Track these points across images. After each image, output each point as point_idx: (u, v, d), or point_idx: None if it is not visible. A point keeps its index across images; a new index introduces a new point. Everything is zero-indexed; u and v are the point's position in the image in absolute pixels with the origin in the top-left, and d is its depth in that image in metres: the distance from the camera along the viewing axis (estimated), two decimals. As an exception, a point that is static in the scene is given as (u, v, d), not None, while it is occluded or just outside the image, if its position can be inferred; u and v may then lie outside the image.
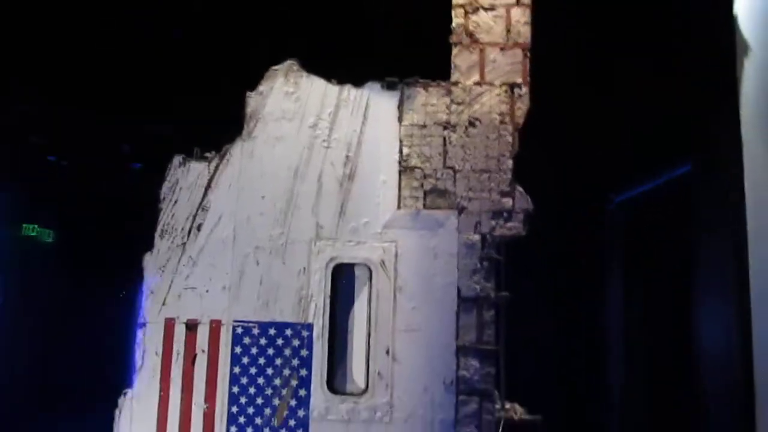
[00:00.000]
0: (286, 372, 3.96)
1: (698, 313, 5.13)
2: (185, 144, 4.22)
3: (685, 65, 4.88)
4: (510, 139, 4.07)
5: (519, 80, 4.11)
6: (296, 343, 3.98)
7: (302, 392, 3.95)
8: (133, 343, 4.06)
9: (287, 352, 3.97)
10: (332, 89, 4.19)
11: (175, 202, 4.16)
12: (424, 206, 4.06)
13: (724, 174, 4.43)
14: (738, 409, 4.19)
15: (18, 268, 7.96)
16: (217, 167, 4.16)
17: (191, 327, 4.03)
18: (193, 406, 3.96)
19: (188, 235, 4.11)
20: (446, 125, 4.12)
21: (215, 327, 4.02)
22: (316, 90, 4.19)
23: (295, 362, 3.97)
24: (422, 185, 4.08)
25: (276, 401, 3.94)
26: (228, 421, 3.93)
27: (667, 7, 4.91)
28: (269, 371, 3.97)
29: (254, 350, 3.98)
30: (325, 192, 4.09)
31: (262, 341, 3.99)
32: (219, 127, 4.22)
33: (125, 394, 4.01)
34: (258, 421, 3.93)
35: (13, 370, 7.45)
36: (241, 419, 3.93)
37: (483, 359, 3.90)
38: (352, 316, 4.07)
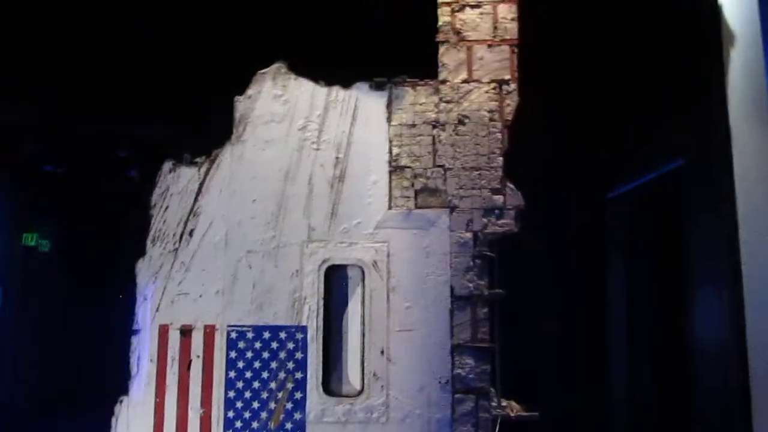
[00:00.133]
0: (282, 375, 3.96)
1: (692, 305, 5.15)
2: (176, 149, 4.21)
3: (672, 56, 4.89)
4: (500, 136, 4.06)
5: (507, 77, 4.10)
6: (291, 345, 3.98)
7: (298, 395, 3.95)
8: (128, 351, 4.07)
9: (282, 355, 3.97)
10: (320, 91, 4.19)
11: (167, 208, 4.15)
12: (416, 205, 4.06)
13: (714, 167, 4.44)
14: (734, 403, 4.21)
15: (18, 277, 7.95)
16: (207, 172, 4.16)
17: (185, 332, 4.03)
18: (190, 412, 3.96)
19: (180, 241, 4.11)
20: (435, 124, 4.12)
21: (209, 332, 4.01)
22: (305, 92, 4.19)
23: (291, 365, 3.96)
24: (413, 184, 4.08)
25: (272, 405, 3.94)
26: (224, 425, 3.92)
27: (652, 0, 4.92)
28: (265, 375, 3.96)
29: (249, 354, 3.98)
30: (315, 194, 4.09)
31: (257, 345, 3.99)
32: (209, 131, 4.21)
33: (121, 401, 4.01)
34: (255, 425, 3.93)
35: (12, 377, 7.43)
36: (238, 424, 3.93)
37: (478, 357, 3.90)
38: (346, 317, 4.06)
